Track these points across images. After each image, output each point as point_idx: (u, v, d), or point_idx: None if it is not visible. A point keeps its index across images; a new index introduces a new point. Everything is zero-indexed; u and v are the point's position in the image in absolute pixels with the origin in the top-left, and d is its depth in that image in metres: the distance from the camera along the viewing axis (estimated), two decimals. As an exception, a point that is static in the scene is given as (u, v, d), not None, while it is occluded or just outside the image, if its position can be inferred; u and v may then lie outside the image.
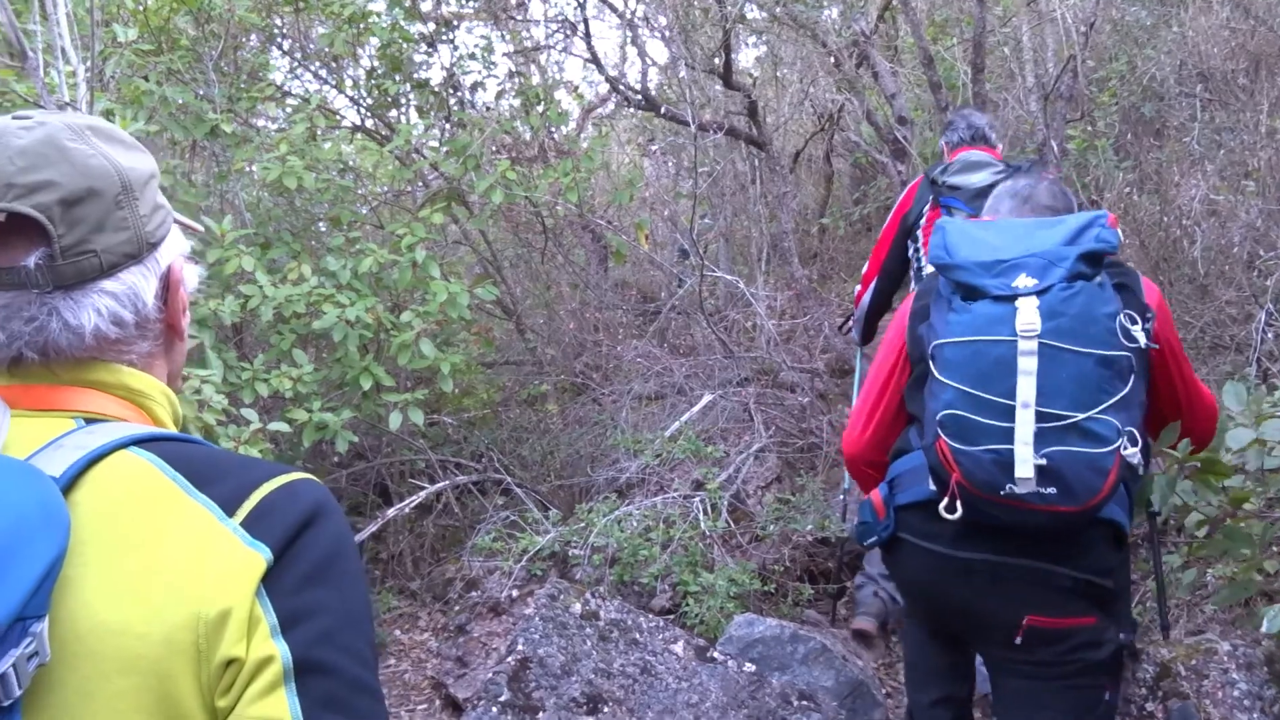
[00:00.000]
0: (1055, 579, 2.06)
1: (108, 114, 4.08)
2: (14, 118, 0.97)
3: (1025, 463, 1.88)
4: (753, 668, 3.19)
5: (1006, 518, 1.99)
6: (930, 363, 2.04)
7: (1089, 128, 6.63)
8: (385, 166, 6.27)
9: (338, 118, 6.17)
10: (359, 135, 6.35)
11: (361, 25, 5.44)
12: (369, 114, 6.17)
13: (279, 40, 5.95)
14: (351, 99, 6.13)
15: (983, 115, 4.07)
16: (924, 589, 2.29)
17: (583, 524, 4.30)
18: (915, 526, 2.18)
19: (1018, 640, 2.07)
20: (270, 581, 0.86)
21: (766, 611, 4.11)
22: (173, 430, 1.03)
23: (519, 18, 6.97)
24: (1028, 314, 1.92)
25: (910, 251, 3.90)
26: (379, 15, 5.62)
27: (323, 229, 5.52)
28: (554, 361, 6.37)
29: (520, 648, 2.96)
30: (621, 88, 6.65)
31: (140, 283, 0.99)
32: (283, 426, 3.93)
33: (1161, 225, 5.27)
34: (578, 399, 6.22)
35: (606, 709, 2.85)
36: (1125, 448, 1.88)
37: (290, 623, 0.85)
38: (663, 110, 6.46)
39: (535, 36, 7.32)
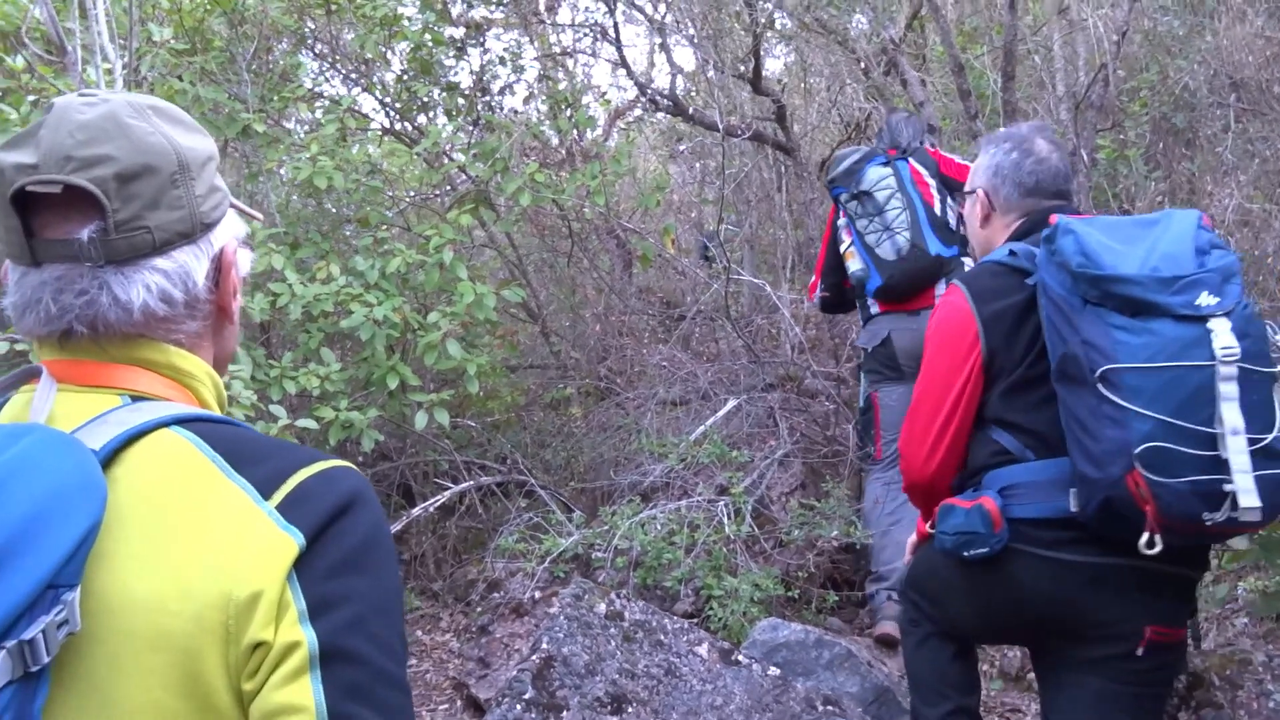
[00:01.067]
0: (1181, 583, 2.02)
1: (142, 112, 4.13)
2: (79, 94, 0.99)
3: (1249, 492, 1.78)
4: (777, 672, 3.17)
5: (1186, 543, 1.93)
6: (1103, 386, 1.88)
7: (1119, 137, 6.59)
8: (413, 169, 6.31)
9: (367, 120, 6.21)
10: (388, 138, 6.39)
11: (393, 28, 5.48)
12: (398, 117, 6.21)
13: (310, 42, 5.99)
14: (381, 101, 6.16)
15: (908, 119, 4.39)
16: (1041, 601, 2.12)
17: (606, 527, 4.30)
18: (1035, 537, 2.07)
19: (1139, 651, 1.99)
20: (301, 567, 0.85)
21: (790, 618, 4.09)
22: (217, 413, 1.03)
23: (548, 22, 6.99)
24: (1224, 336, 1.81)
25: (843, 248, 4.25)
26: (410, 19, 5.66)
27: (349, 233, 5.55)
28: (578, 365, 6.37)
29: (545, 646, 2.96)
30: (649, 92, 6.66)
31: (191, 262, 1.00)
32: (310, 424, 3.96)
33: (1193, 235, 5.22)
34: (601, 403, 6.22)
35: (631, 709, 2.84)
36: None
37: (319, 609, 0.84)
38: (690, 112, 6.46)
39: (564, 41, 7.35)
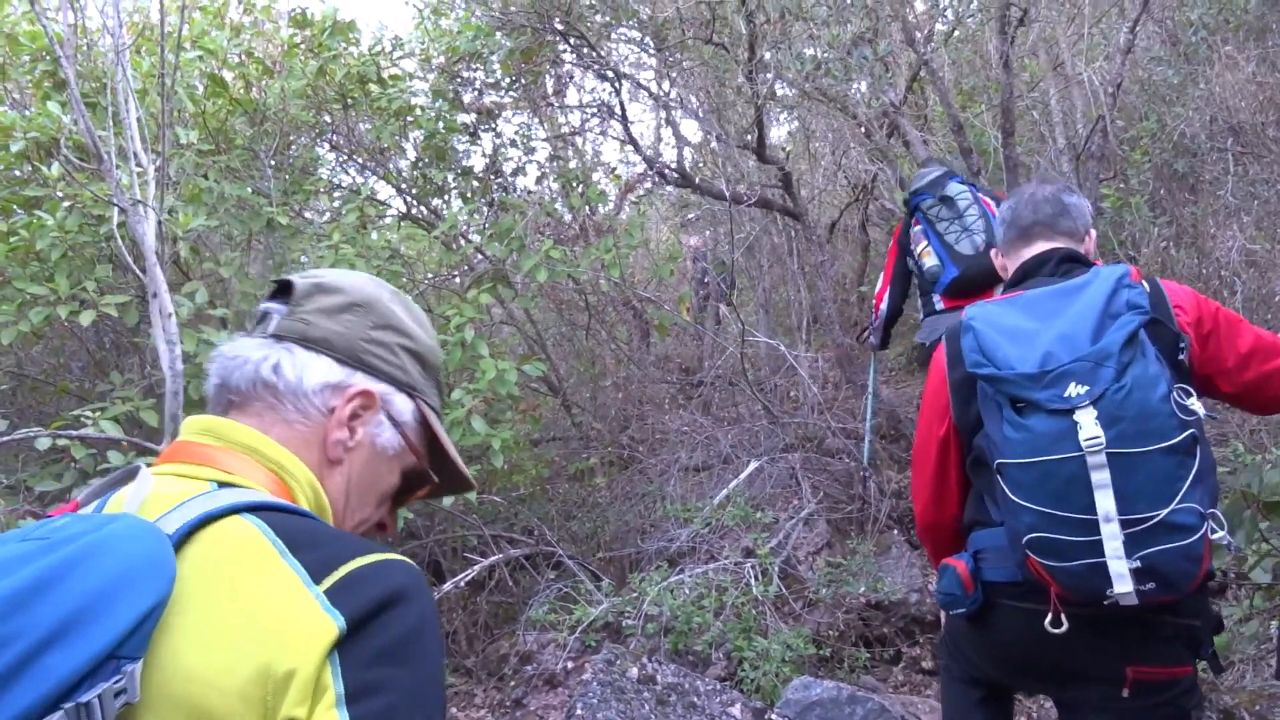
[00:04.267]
0: (1157, 629, 2.03)
1: (172, 212, 4.29)
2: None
3: (1122, 577, 1.86)
4: (811, 730, 3.18)
5: (1110, 615, 1.97)
6: (999, 478, 1.99)
7: (1122, 185, 6.69)
8: (432, 251, 6.48)
9: (385, 206, 6.39)
10: (406, 223, 6.56)
11: (407, 118, 5.68)
12: (415, 202, 6.39)
13: (328, 135, 6.21)
14: (398, 188, 6.36)
15: (936, 163, 5.08)
16: (1020, 649, 2.19)
17: (635, 593, 4.33)
18: (1006, 593, 2.13)
19: (1125, 693, 2.02)
20: (345, 652, 0.88)
21: (823, 677, 4.09)
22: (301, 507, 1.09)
23: (556, 104, 7.21)
24: (1089, 427, 1.87)
25: (910, 264, 4.81)
26: (423, 108, 5.86)
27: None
28: (600, 436, 6.45)
29: (579, 712, 2.99)
30: (658, 166, 6.83)
31: (315, 365, 1.13)
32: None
33: (1200, 277, 5.29)
34: (625, 471, 6.27)
35: (667, 772, 2.86)
36: (1212, 531, 1.86)
37: (357, 696, 0.86)
38: (698, 182, 6.61)
39: (572, 122, 7.56)
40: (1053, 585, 1.95)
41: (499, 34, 6.00)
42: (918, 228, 4.82)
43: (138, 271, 3.31)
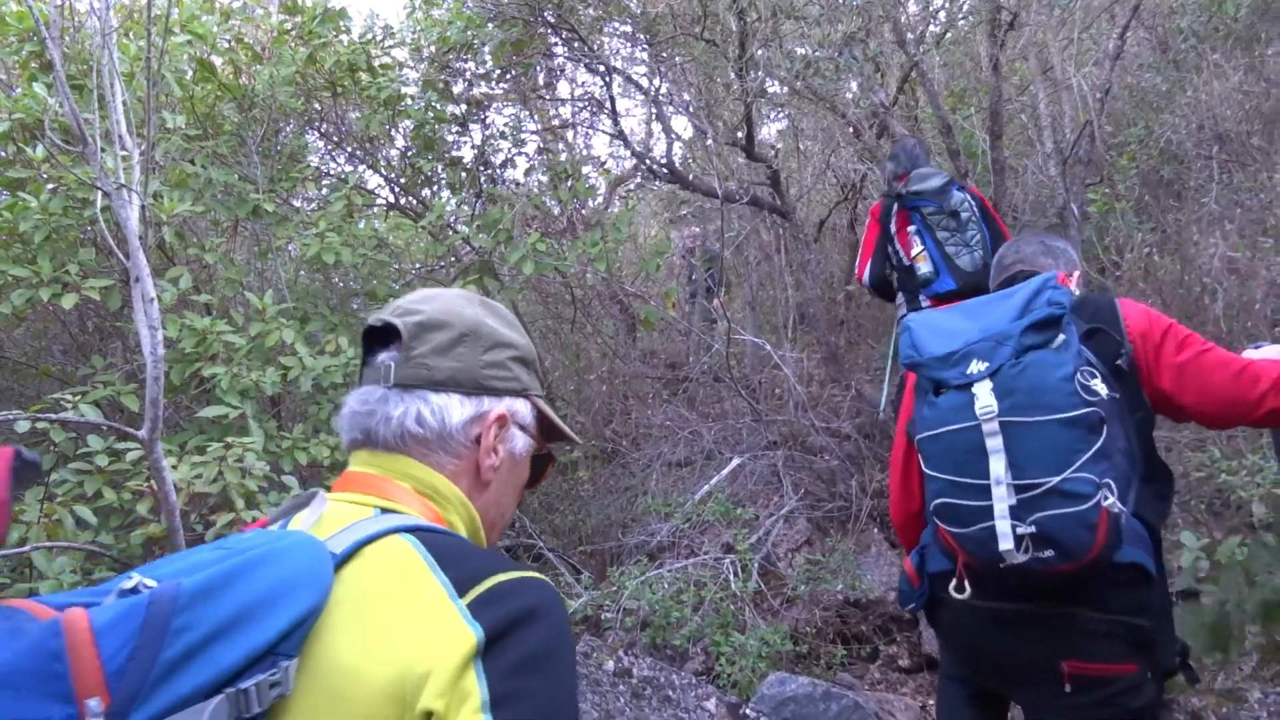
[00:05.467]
0: (1085, 623, 2.10)
1: (157, 196, 4.28)
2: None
3: (1006, 536, 1.98)
4: (785, 725, 3.20)
5: (1018, 582, 2.07)
6: (920, 455, 2.17)
7: (1108, 191, 6.72)
8: (419, 242, 6.47)
9: (373, 196, 6.38)
10: (393, 213, 6.55)
11: (396, 108, 5.67)
12: (403, 192, 6.38)
13: (317, 124, 6.19)
14: (386, 178, 6.34)
15: (919, 146, 5.13)
16: (966, 643, 2.34)
17: (614, 587, 4.35)
18: (946, 587, 2.24)
19: (1066, 688, 2.10)
20: (487, 661, 0.96)
21: (800, 673, 4.11)
22: (458, 533, 1.21)
23: (547, 97, 7.20)
24: (984, 398, 2.04)
25: (889, 251, 5.01)
26: (413, 98, 5.85)
27: (356, 306, 5.68)
28: (584, 429, 6.46)
29: (554, 704, 3.00)
30: (647, 161, 6.84)
31: (453, 406, 1.23)
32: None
33: (1183, 284, 5.33)
34: (607, 465, 6.28)
35: (640, 765, 2.87)
36: (1106, 499, 1.93)
37: (500, 702, 0.94)
38: (689, 179, 6.62)
39: (563, 114, 7.55)
40: (960, 553, 2.10)
41: (490, 25, 6.00)
42: (912, 228, 4.91)
43: (120, 256, 3.29)
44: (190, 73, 5.25)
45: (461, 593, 1.01)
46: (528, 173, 6.63)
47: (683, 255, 8.67)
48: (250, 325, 4.38)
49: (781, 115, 8.53)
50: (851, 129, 6.79)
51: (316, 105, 5.91)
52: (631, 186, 8.34)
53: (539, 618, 1.02)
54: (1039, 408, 1.99)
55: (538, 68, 6.87)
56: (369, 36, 5.82)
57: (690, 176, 6.88)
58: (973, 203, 4.88)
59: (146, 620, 0.90)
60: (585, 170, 7.03)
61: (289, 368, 4.31)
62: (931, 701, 4.14)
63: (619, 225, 5.88)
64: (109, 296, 4.28)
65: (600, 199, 7.55)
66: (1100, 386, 2.02)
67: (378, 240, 5.46)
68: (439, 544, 1.08)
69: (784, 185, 6.87)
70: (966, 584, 2.13)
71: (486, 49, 6.26)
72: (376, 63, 5.74)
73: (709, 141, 6.76)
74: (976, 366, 2.08)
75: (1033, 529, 1.96)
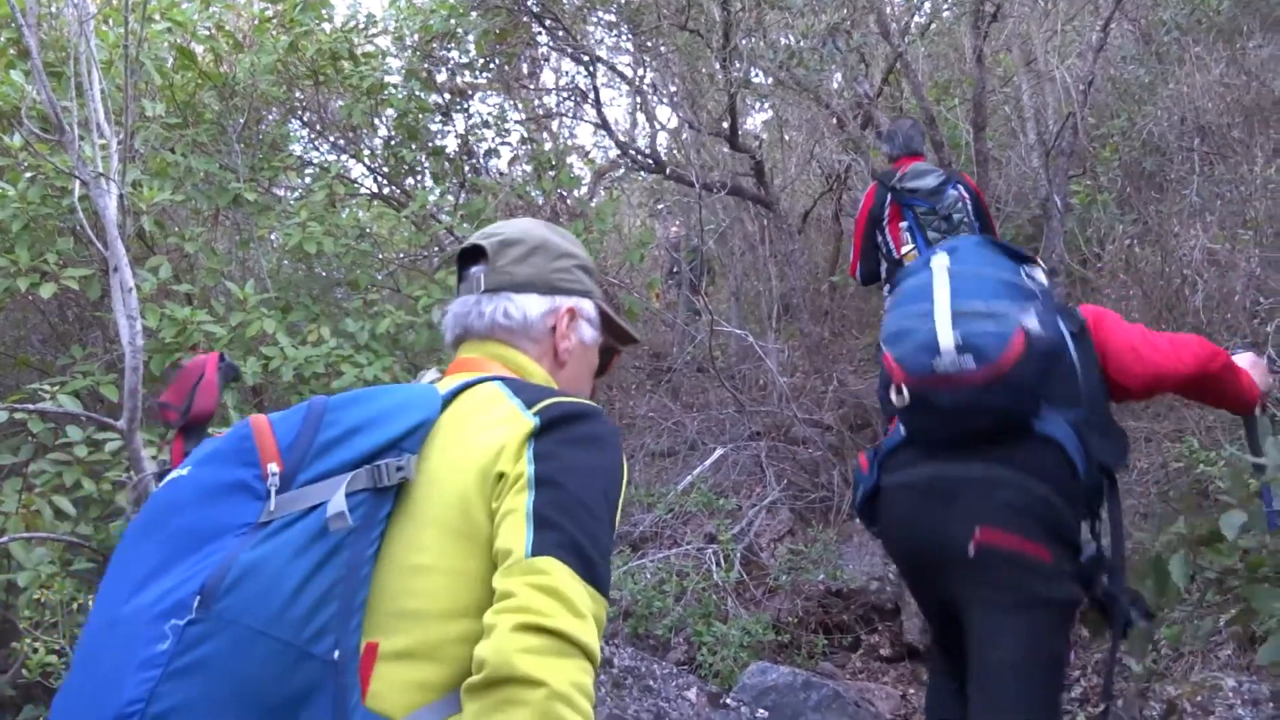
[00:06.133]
0: (1003, 490, 2.37)
1: (137, 185, 4.25)
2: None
3: (946, 333, 2.37)
4: (766, 714, 3.22)
5: (945, 399, 2.38)
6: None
7: (1091, 182, 6.75)
8: (402, 232, 6.44)
9: (356, 185, 6.35)
10: (376, 202, 6.52)
11: (379, 96, 5.64)
12: (386, 181, 6.35)
13: (299, 112, 6.15)
14: (369, 167, 6.31)
15: (914, 127, 5.09)
16: (902, 529, 2.60)
17: (597, 577, 4.35)
18: (889, 470, 2.61)
19: (971, 553, 2.33)
20: (540, 437, 1.27)
21: (782, 663, 4.13)
22: None
23: (531, 87, 7.18)
24: (941, 259, 2.54)
25: (879, 240, 4.95)
26: (395, 87, 5.82)
27: (339, 296, 5.66)
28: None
29: None
30: (631, 152, 6.83)
31: (531, 302, 1.54)
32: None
33: (1164, 275, 5.36)
34: (592, 456, 6.27)
35: (621, 754, 2.88)
36: (1027, 322, 2.32)
37: (542, 458, 1.25)
38: (671, 169, 6.61)
39: (547, 104, 7.53)
40: (896, 371, 2.45)
41: (474, 14, 5.97)
42: (904, 224, 4.87)
43: (99, 245, 3.27)
44: (170, 60, 5.21)
45: (529, 406, 1.32)
46: (511, 162, 6.61)
47: (667, 249, 8.66)
48: (231, 315, 4.36)
49: (766, 106, 8.53)
50: (836, 120, 6.78)
51: (298, 94, 5.88)
52: (616, 176, 8.33)
53: (588, 420, 1.33)
54: (988, 266, 2.48)
55: (521, 57, 6.84)
56: (351, 24, 5.79)
57: (674, 167, 6.87)
58: (966, 202, 4.82)
59: (307, 415, 1.29)
60: (569, 160, 7.01)
61: (270, 358, 4.29)
62: (912, 690, 4.16)
63: (603, 215, 5.87)
64: (88, 286, 4.25)
65: (584, 189, 7.53)
66: (1041, 276, 2.51)
67: (360, 230, 5.43)
68: (516, 384, 1.39)
69: (768, 176, 6.87)
70: (905, 393, 2.44)
71: (470, 38, 6.23)
72: (359, 51, 5.71)
73: (692, 131, 6.76)
74: (942, 251, 2.60)
75: (960, 339, 2.33)
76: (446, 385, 1.40)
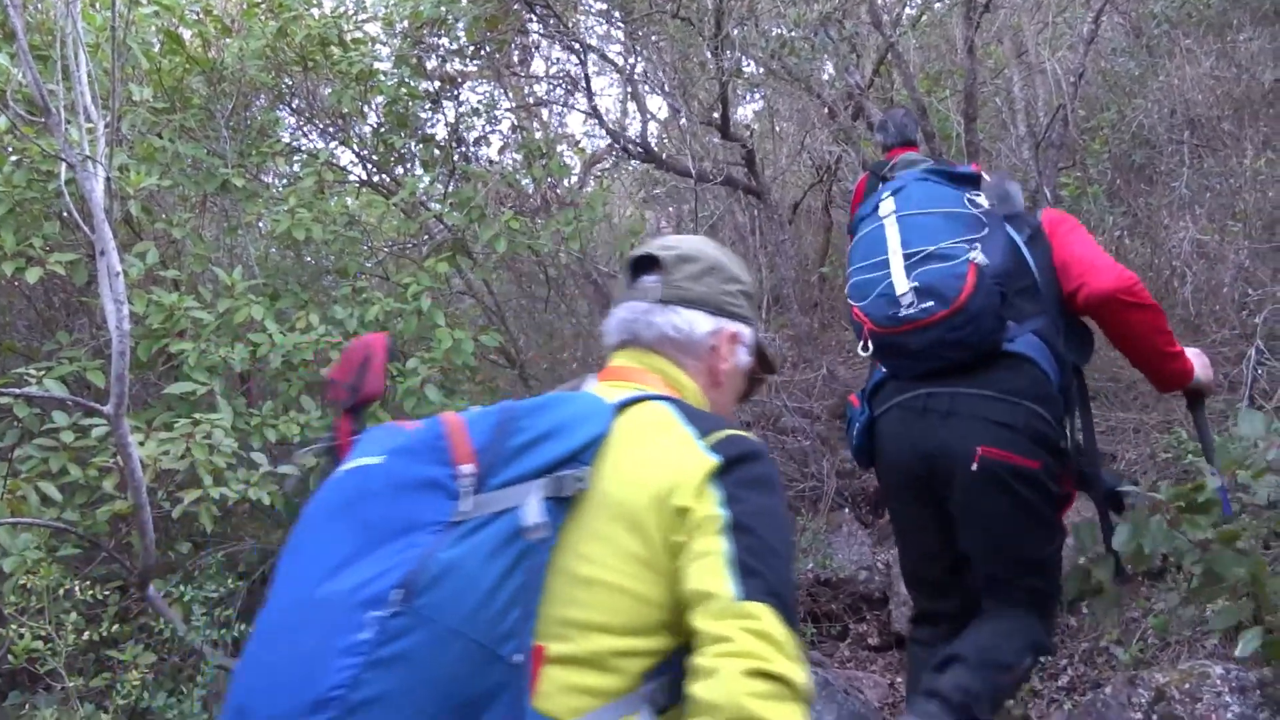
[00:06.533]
0: (990, 410, 2.56)
1: (124, 169, 4.21)
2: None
3: (902, 281, 2.56)
4: (755, 702, 3.21)
5: (914, 343, 2.57)
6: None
7: (1080, 174, 6.76)
8: (391, 220, 6.41)
9: (345, 173, 6.31)
10: (365, 190, 6.48)
11: (369, 83, 5.60)
12: (375, 169, 6.32)
13: (288, 98, 6.11)
14: (358, 155, 6.27)
15: (908, 116, 5.04)
16: (903, 444, 2.75)
17: (586, 566, 4.34)
18: (879, 401, 2.80)
19: (974, 467, 2.53)
20: (720, 477, 1.31)
21: (770, 651, 4.12)
22: None
23: (521, 74, 7.14)
24: (888, 204, 2.74)
25: None
26: (385, 74, 5.78)
27: (328, 284, 5.63)
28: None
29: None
30: (622, 140, 6.80)
31: (700, 320, 1.61)
32: (292, 470, 4.00)
33: (1153, 267, 5.37)
34: (581, 446, 6.26)
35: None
36: (975, 256, 2.50)
37: (730, 501, 1.29)
38: (663, 158, 6.59)
39: (537, 92, 7.50)
40: (865, 322, 2.63)
41: (464, 0, 5.93)
42: None
43: (86, 229, 3.24)
44: (157, 45, 5.16)
45: (703, 437, 1.37)
46: (502, 150, 6.58)
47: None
48: (219, 301, 4.32)
49: (757, 96, 8.52)
50: (827, 110, 6.78)
51: (287, 80, 5.83)
52: (606, 165, 8.30)
53: (762, 459, 1.38)
54: (929, 204, 2.67)
55: (512, 44, 6.81)
56: (341, 10, 5.74)
57: (665, 156, 6.85)
58: None
59: (499, 420, 1.33)
60: (560, 149, 6.98)
61: (258, 344, 4.27)
62: (899, 679, 4.17)
63: (593, 204, 5.85)
64: (75, 271, 4.22)
65: (575, 178, 7.50)
66: (984, 201, 2.67)
67: (349, 217, 5.40)
68: (685, 408, 1.45)
69: (759, 166, 6.86)
70: (870, 345, 2.66)
71: (460, 25, 6.20)
72: (348, 37, 5.66)
73: (683, 120, 6.74)
74: (885, 194, 2.80)
75: (916, 283, 2.51)
76: (612, 396, 1.44)
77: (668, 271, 1.61)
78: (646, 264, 1.64)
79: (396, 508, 1.25)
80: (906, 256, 2.56)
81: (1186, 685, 2.69)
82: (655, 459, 1.33)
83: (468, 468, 1.26)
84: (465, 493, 1.24)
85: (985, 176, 2.85)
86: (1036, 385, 2.58)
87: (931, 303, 2.48)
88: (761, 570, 1.24)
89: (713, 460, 1.32)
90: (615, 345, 1.64)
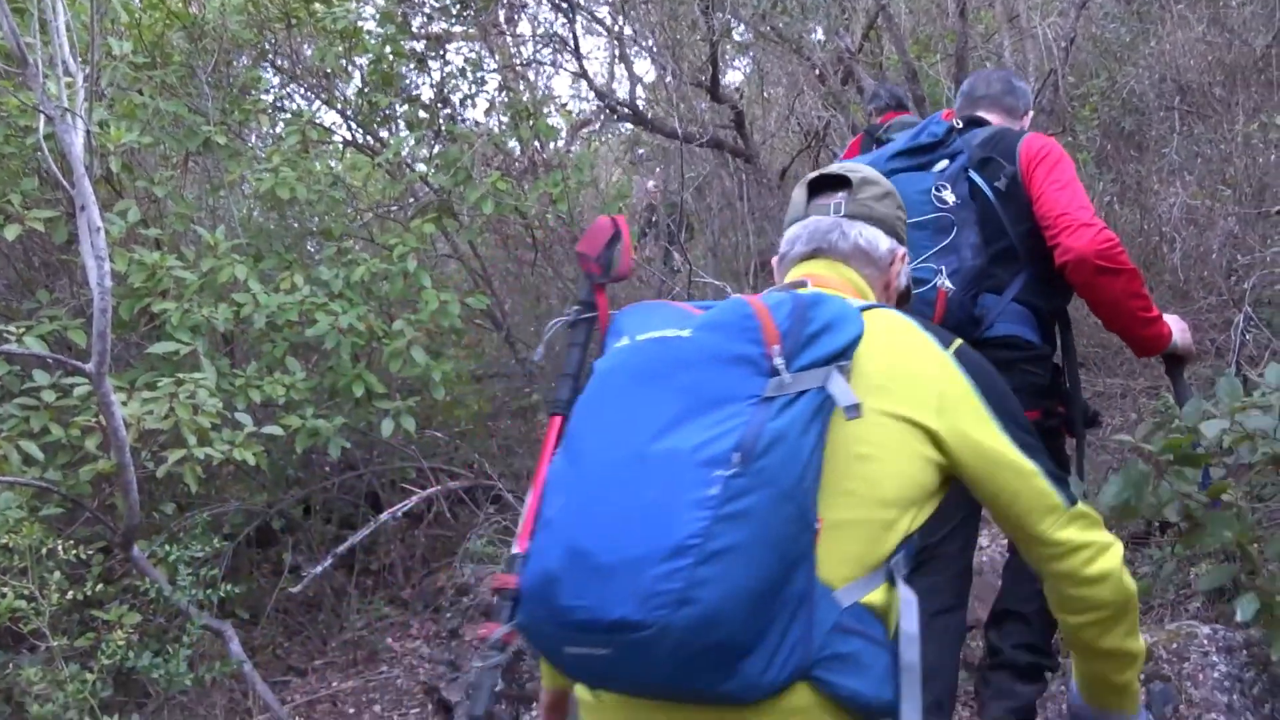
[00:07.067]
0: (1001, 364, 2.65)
1: (104, 125, 4.13)
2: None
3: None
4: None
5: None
6: None
7: (1070, 141, 6.74)
8: (376, 182, 6.33)
9: (329, 132, 6.22)
10: (350, 151, 6.40)
11: (353, 41, 5.51)
12: (360, 130, 6.23)
13: (271, 56, 6.01)
14: (342, 114, 6.18)
15: (898, 86, 5.11)
16: None
17: (574, 528, 4.32)
18: None
19: None
20: (973, 378, 1.52)
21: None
22: None
23: (508, 34, 7.05)
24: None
25: None
26: (370, 32, 5.69)
27: (311, 248, 5.57)
28: (543, 373, 6.40)
29: (515, 642, 2.99)
30: (609, 101, 6.73)
31: (880, 238, 1.75)
32: (277, 430, 3.97)
33: (1142, 233, 5.37)
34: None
35: (599, 701, 2.87)
36: (941, 282, 2.52)
37: (988, 398, 1.51)
38: (650, 119, 6.54)
39: (524, 53, 7.41)
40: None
41: (451, -43, 5.84)
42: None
43: (66, 185, 3.18)
44: (137, -1, 5.07)
45: (945, 345, 1.56)
46: (488, 112, 6.50)
47: (645, 209, 8.57)
48: (202, 261, 4.27)
49: (746, 60, 8.45)
50: (817, 73, 6.73)
51: (270, 36, 5.73)
52: (594, 128, 8.23)
53: (990, 368, 1.59)
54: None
55: (499, 3, 6.71)
56: (324, -35, 5.63)
57: (650, 117, 6.79)
58: None
59: (795, 308, 1.40)
60: (547, 111, 6.90)
61: (242, 304, 4.22)
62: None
63: (580, 167, 5.79)
64: (54, 229, 4.15)
65: (562, 141, 7.43)
66: (950, 196, 2.59)
67: (334, 178, 5.33)
68: (916, 318, 1.60)
69: (748, 129, 6.81)
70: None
71: (446, -18, 6.10)
72: (332, -7, 5.56)
73: (672, 81, 6.67)
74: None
75: None
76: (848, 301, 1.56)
77: (855, 190, 1.75)
78: (826, 184, 1.78)
79: (712, 379, 1.34)
80: None
81: (1174, 645, 2.70)
82: (911, 357, 1.52)
83: (776, 348, 1.35)
84: (777, 371, 1.33)
85: (958, 124, 2.80)
86: (1026, 352, 2.65)
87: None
88: (1046, 463, 1.53)
89: (958, 363, 1.53)
90: (803, 254, 1.75)
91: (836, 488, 1.37)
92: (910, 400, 1.46)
